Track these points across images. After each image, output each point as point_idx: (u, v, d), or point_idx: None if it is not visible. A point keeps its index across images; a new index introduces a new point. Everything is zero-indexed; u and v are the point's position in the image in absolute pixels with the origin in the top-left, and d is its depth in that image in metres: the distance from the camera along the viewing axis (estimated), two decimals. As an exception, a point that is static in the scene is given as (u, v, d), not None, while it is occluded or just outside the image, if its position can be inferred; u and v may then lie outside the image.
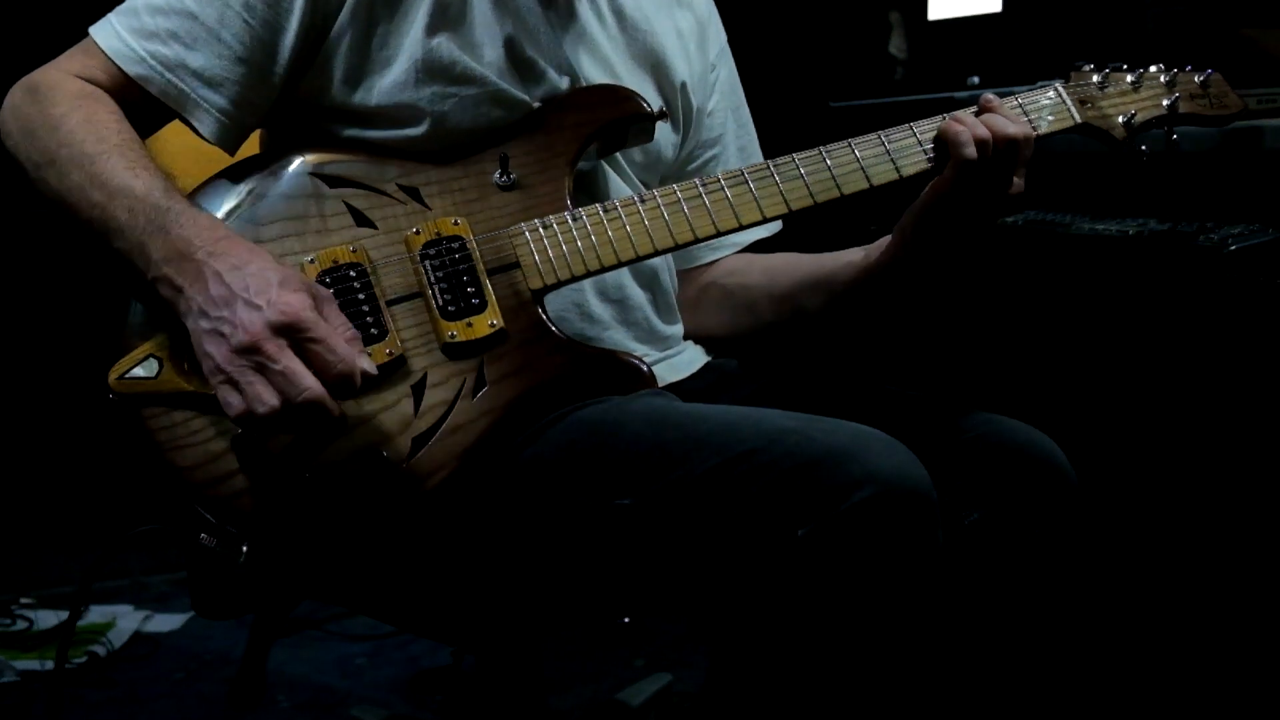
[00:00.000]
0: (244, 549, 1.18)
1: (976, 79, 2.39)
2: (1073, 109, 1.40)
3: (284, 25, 1.28)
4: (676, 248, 1.31)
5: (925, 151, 1.34)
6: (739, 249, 1.58)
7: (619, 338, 1.42)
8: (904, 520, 1.08)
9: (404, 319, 1.24)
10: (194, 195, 1.25)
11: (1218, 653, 1.87)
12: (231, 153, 1.32)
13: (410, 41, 1.30)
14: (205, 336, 1.12)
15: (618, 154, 1.42)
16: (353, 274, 1.23)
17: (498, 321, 1.24)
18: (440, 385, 1.22)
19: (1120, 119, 1.41)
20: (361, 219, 1.27)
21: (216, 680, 2.46)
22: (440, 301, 1.24)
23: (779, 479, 1.09)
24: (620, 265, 1.30)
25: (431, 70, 1.30)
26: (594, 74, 1.40)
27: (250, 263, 1.14)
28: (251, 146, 1.40)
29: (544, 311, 1.27)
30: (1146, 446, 1.92)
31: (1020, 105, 1.38)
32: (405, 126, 1.31)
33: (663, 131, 1.45)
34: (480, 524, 1.24)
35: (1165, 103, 1.42)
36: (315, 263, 1.23)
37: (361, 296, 1.23)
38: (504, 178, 1.31)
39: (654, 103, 1.39)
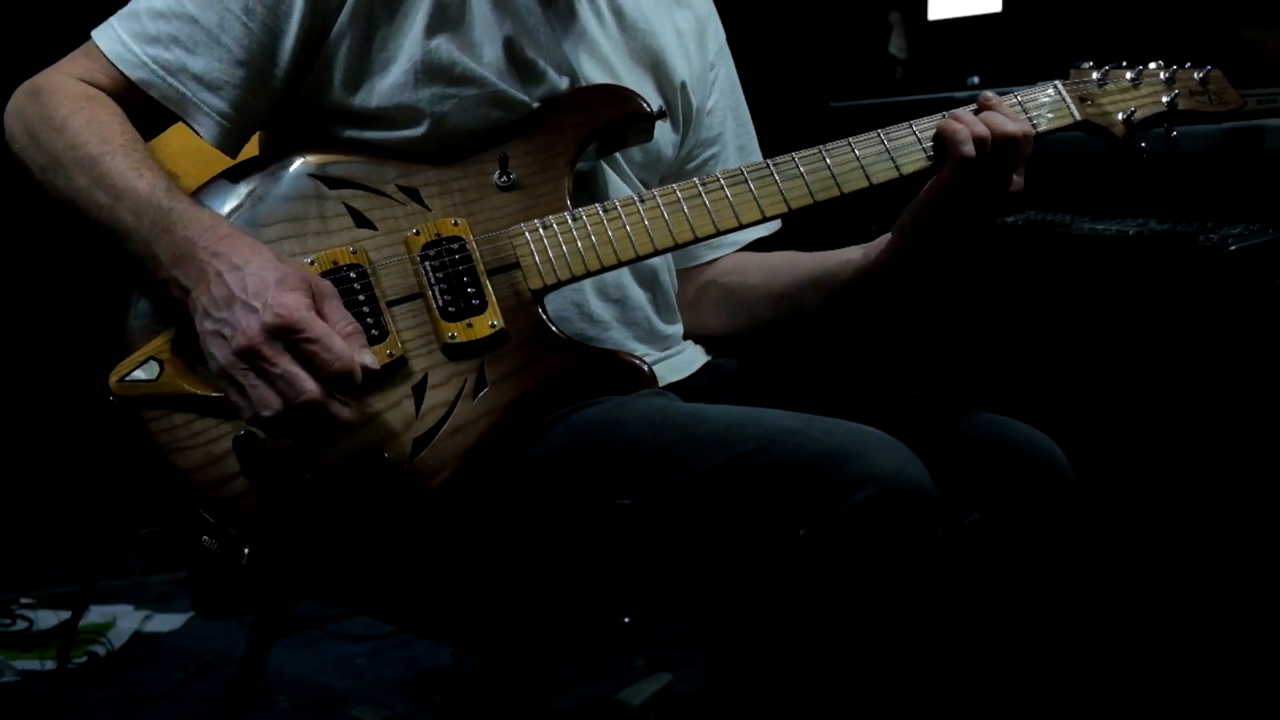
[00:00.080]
0: (245, 551, 1.18)
1: (976, 79, 2.40)
2: (1072, 106, 1.40)
3: (283, 28, 1.28)
4: (676, 247, 1.31)
5: (925, 150, 1.34)
6: (739, 248, 1.58)
7: (619, 338, 1.42)
8: (905, 520, 1.09)
9: (404, 320, 1.24)
10: (194, 196, 1.25)
11: (1218, 653, 1.87)
12: (233, 155, 1.32)
13: (409, 43, 1.30)
14: (209, 337, 1.13)
15: (617, 154, 1.42)
16: (353, 275, 1.23)
17: (498, 322, 1.24)
18: (441, 386, 1.22)
19: (1120, 116, 1.41)
20: (361, 220, 1.27)
21: (216, 680, 2.46)
22: (440, 302, 1.24)
23: (780, 479, 1.09)
24: (620, 265, 1.30)
25: (431, 71, 1.30)
26: (593, 74, 1.40)
27: (251, 261, 1.14)
28: (251, 148, 1.40)
29: (544, 312, 1.27)
30: (1146, 446, 1.92)
31: (1020, 103, 1.38)
32: (405, 127, 1.31)
33: (662, 131, 1.45)
34: (481, 524, 1.24)
35: (1165, 99, 1.42)
36: (315, 264, 1.23)
37: (362, 298, 1.23)
38: (503, 178, 1.31)
39: (653, 102, 1.39)
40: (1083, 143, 1.45)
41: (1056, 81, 1.41)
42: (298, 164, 1.29)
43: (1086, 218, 1.93)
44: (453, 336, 1.23)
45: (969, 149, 1.29)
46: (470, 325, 1.24)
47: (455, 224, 1.28)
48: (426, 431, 1.21)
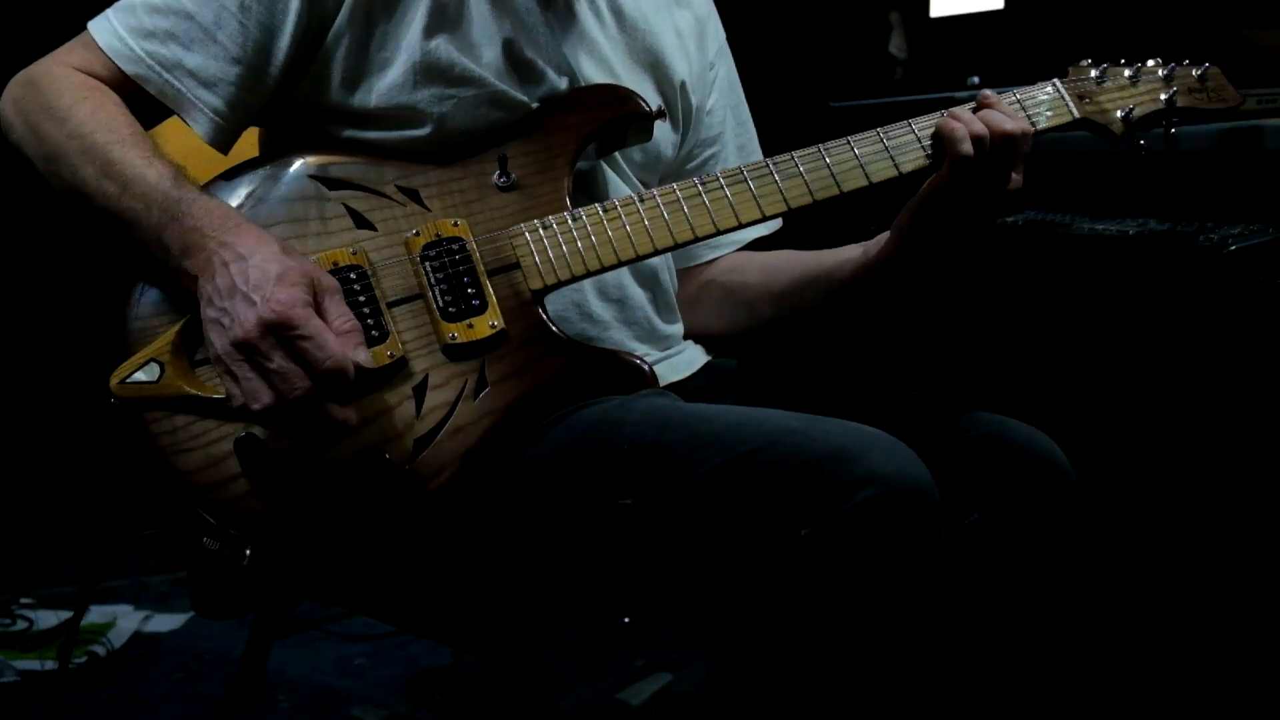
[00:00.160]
0: (247, 552, 1.18)
1: (977, 79, 2.40)
2: (1071, 104, 1.40)
3: (280, 27, 1.28)
4: (676, 247, 1.31)
5: (924, 148, 1.34)
6: (738, 247, 1.58)
7: (620, 337, 1.42)
8: (906, 520, 1.09)
9: (405, 321, 1.24)
10: None
11: (1218, 653, 1.87)
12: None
13: (408, 43, 1.30)
14: (210, 325, 1.14)
15: (617, 153, 1.42)
16: (353, 276, 1.23)
17: (498, 322, 1.24)
18: (442, 387, 1.22)
19: (1118, 114, 1.41)
20: (361, 221, 1.27)
21: (216, 680, 2.46)
22: (441, 303, 1.24)
23: (781, 479, 1.09)
24: (620, 265, 1.30)
25: (430, 72, 1.30)
26: (593, 74, 1.40)
27: (256, 253, 1.14)
28: (251, 148, 1.40)
29: (544, 312, 1.27)
30: (1146, 446, 1.92)
31: (1019, 101, 1.38)
32: (404, 128, 1.31)
33: (662, 130, 1.45)
34: (483, 525, 1.24)
35: (1163, 97, 1.42)
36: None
37: (362, 299, 1.23)
38: (503, 178, 1.31)
39: (653, 102, 1.39)
40: (1082, 142, 1.45)
41: (1055, 80, 1.41)
42: (297, 165, 1.29)
43: (1086, 218, 1.93)
44: (453, 337, 1.23)
45: (967, 147, 1.29)
46: (471, 326, 1.24)
47: (455, 224, 1.28)
48: (427, 432, 1.21)
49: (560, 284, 1.28)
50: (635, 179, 1.45)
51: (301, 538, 1.20)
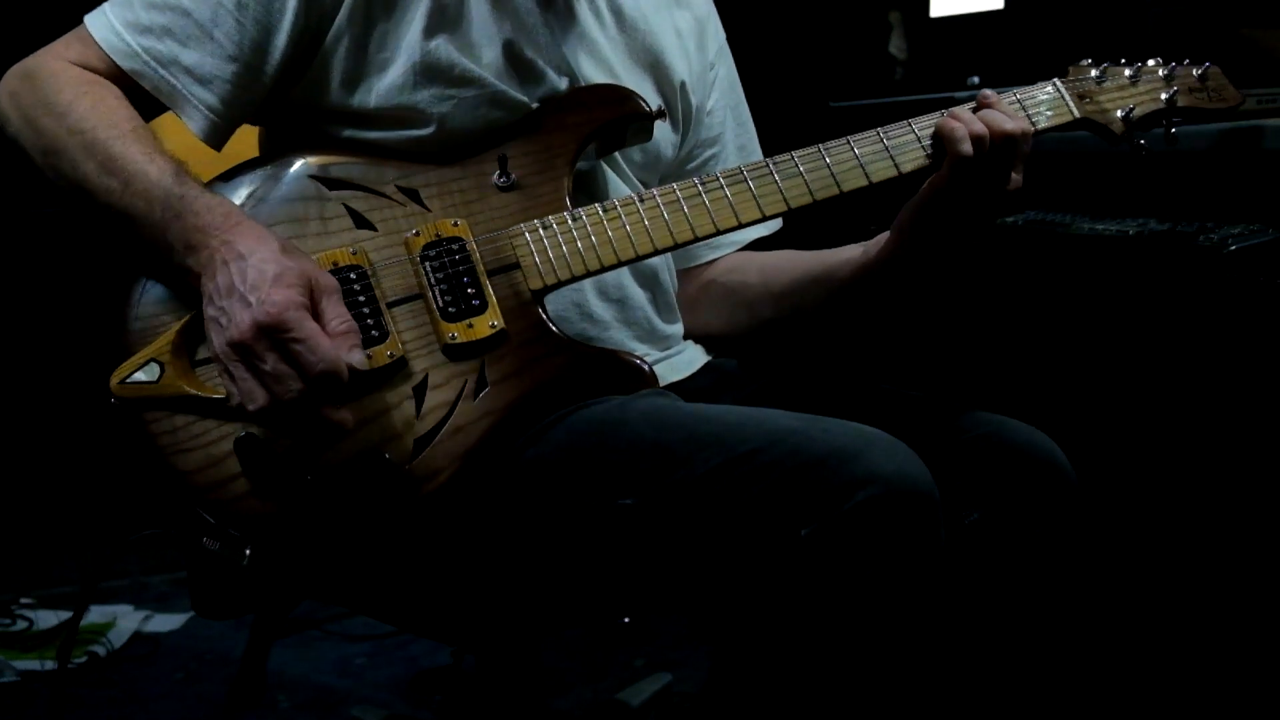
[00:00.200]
0: (247, 552, 1.18)
1: (977, 79, 2.40)
2: (1071, 104, 1.40)
3: (276, 26, 1.28)
4: (676, 247, 1.31)
5: (924, 148, 1.34)
6: (739, 248, 1.58)
7: (620, 337, 1.42)
8: (906, 520, 1.09)
9: (404, 321, 1.24)
10: None
11: (1218, 653, 1.87)
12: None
13: (408, 44, 1.30)
14: (210, 324, 1.15)
15: (617, 154, 1.42)
16: (353, 276, 1.23)
17: (498, 322, 1.24)
18: (441, 386, 1.22)
19: (1119, 113, 1.41)
20: (361, 221, 1.27)
21: (216, 680, 2.46)
22: (440, 303, 1.24)
23: (781, 479, 1.09)
24: (620, 265, 1.30)
25: (429, 72, 1.30)
26: (593, 74, 1.40)
27: (255, 252, 1.15)
28: (250, 148, 1.40)
29: (544, 312, 1.27)
30: (1146, 446, 1.92)
31: (1019, 101, 1.38)
32: (404, 128, 1.31)
33: (662, 131, 1.45)
34: (482, 525, 1.24)
35: (1163, 96, 1.42)
36: (315, 265, 1.23)
37: (362, 299, 1.23)
38: (503, 178, 1.31)
39: (653, 103, 1.39)
40: (1083, 142, 1.45)
41: (1055, 79, 1.41)
42: (297, 165, 1.29)
43: (1086, 218, 1.93)
44: (453, 337, 1.23)
45: (967, 147, 1.29)
46: (470, 326, 1.24)
47: (455, 224, 1.28)
48: (427, 432, 1.21)
49: (560, 284, 1.28)
50: (635, 179, 1.45)
51: (301, 538, 1.20)
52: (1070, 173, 1.99)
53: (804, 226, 1.48)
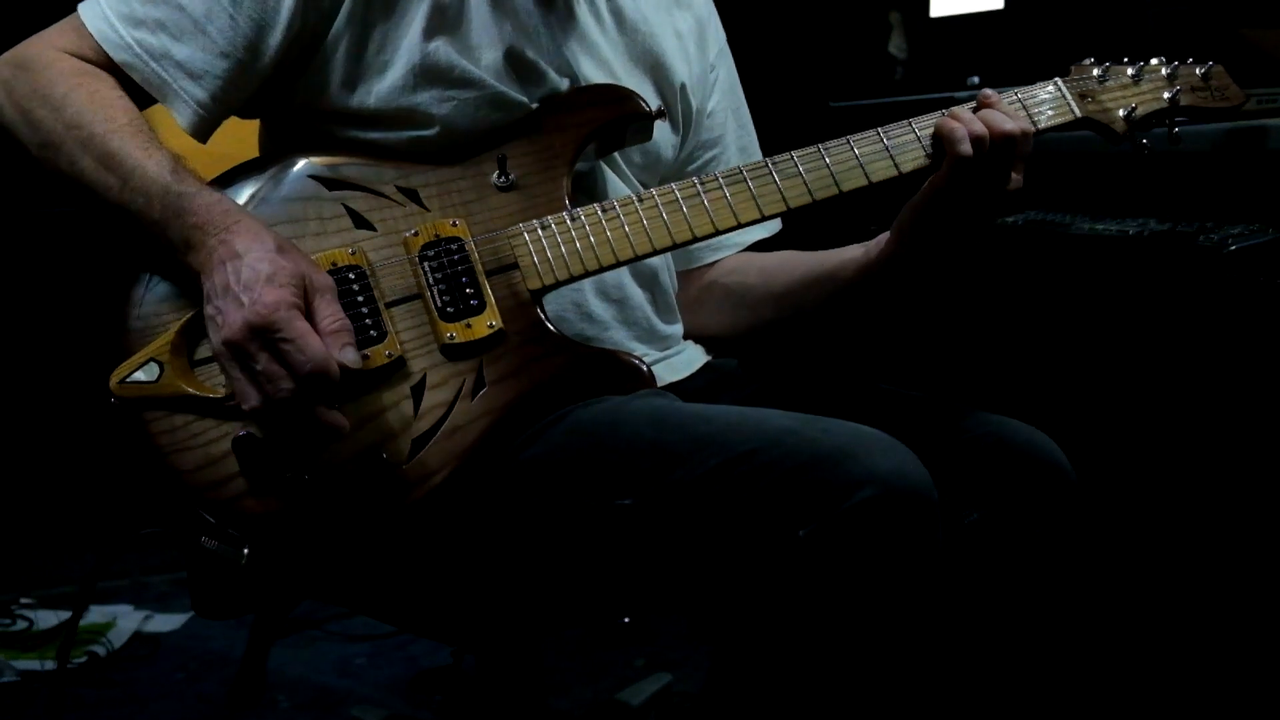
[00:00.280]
0: (245, 551, 1.18)
1: (977, 79, 2.40)
2: (1073, 103, 1.39)
3: (271, 24, 1.28)
4: (675, 247, 1.31)
5: (924, 148, 1.34)
6: (740, 249, 1.58)
7: (619, 337, 1.42)
8: (905, 520, 1.08)
9: (403, 321, 1.24)
10: None
11: (1218, 652, 1.87)
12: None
13: (407, 45, 1.30)
14: (209, 322, 1.16)
15: (617, 155, 1.42)
16: (352, 276, 1.23)
17: (496, 322, 1.24)
18: (439, 386, 1.22)
19: (1121, 112, 1.40)
20: (360, 221, 1.27)
21: (216, 680, 2.46)
22: (439, 303, 1.24)
23: (780, 479, 1.09)
24: (619, 265, 1.30)
25: (429, 74, 1.30)
26: (593, 76, 1.39)
27: (251, 251, 1.15)
28: (249, 148, 1.40)
29: (543, 312, 1.27)
30: (1146, 446, 1.92)
31: (1019, 100, 1.37)
32: (403, 129, 1.31)
33: (662, 132, 1.45)
34: (481, 525, 1.24)
35: (1166, 95, 1.42)
36: (314, 265, 1.23)
37: (361, 299, 1.23)
38: (502, 178, 1.31)
39: (653, 104, 1.39)
40: (1083, 142, 1.45)
41: (1057, 79, 1.41)
42: (297, 165, 1.29)
43: (1086, 218, 1.93)
44: (451, 337, 1.23)
45: (966, 147, 1.29)
46: (469, 326, 1.24)
47: (454, 225, 1.28)
48: (425, 432, 1.21)
49: (558, 284, 1.28)
50: (635, 180, 1.45)
51: (300, 537, 1.20)
52: (1070, 173, 1.99)
53: (804, 227, 1.48)
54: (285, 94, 1.33)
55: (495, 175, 1.31)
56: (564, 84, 1.36)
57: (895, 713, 1.20)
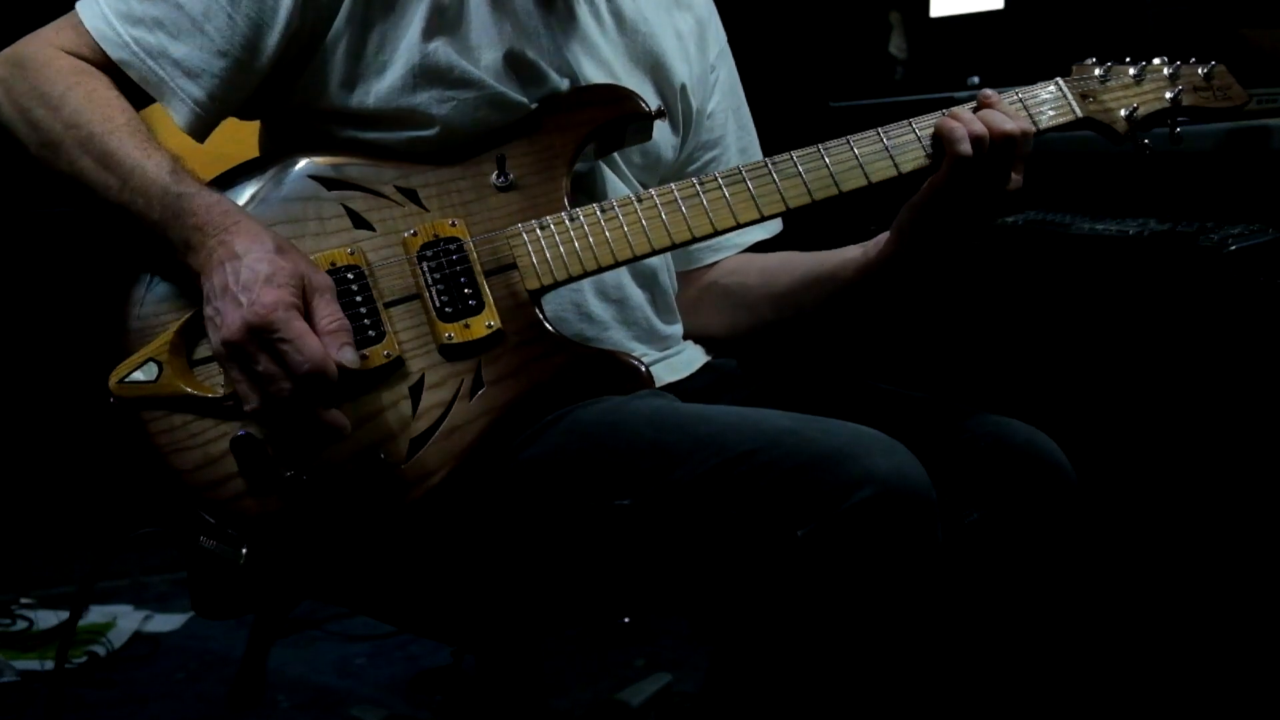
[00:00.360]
0: (244, 551, 1.18)
1: (977, 79, 2.39)
2: (1074, 103, 1.39)
3: (269, 24, 1.28)
4: (674, 247, 1.31)
5: (924, 148, 1.33)
6: (739, 250, 1.58)
7: (618, 338, 1.42)
8: (903, 521, 1.08)
9: (402, 321, 1.24)
10: None
11: (1218, 652, 1.87)
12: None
13: (407, 45, 1.30)
14: (208, 323, 1.16)
15: (616, 156, 1.42)
16: (350, 276, 1.23)
17: (495, 323, 1.24)
18: (438, 386, 1.22)
19: (1122, 112, 1.40)
20: (359, 221, 1.27)
21: (216, 680, 2.46)
22: (438, 303, 1.24)
23: (779, 479, 1.09)
24: (617, 265, 1.30)
25: (428, 74, 1.30)
26: (594, 76, 1.39)
27: (250, 251, 1.15)
28: (248, 148, 1.40)
29: (541, 312, 1.27)
30: (1146, 446, 1.92)
31: (1020, 100, 1.37)
32: (403, 129, 1.31)
33: (662, 133, 1.45)
34: (480, 525, 1.24)
35: (1168, 95, 1.41)
36: (313, 266, 1.23)
37: (359, 299, 1.23)
38: (501, 179, 1.31)
39: (653, 104, 1.39)
40: (1083, 142, 1.45)
41: (1058, 78, 1.41)
42: (296, 165, 1.29)
43: (1086, 218, 1.93)
44: (449, 337, 1.23)
45: (966, 147, 1.29)
46: (467, 326, 1.24)
47: (453, 225, 1.28)
48: (423, 432, 1.21)
49: (557, 284, 1.28)
50: (635, 181, 1.45)
51: (298, 537, 1.20)
52: (1070, 173, 1.99)
53: (804, 227, 1.48)
54: (284, 94, 1.33)
55: (494, 175, 1.31)
56: (564, 84, 1.36)
57: (895, 713, 1.20)
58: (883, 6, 2.76)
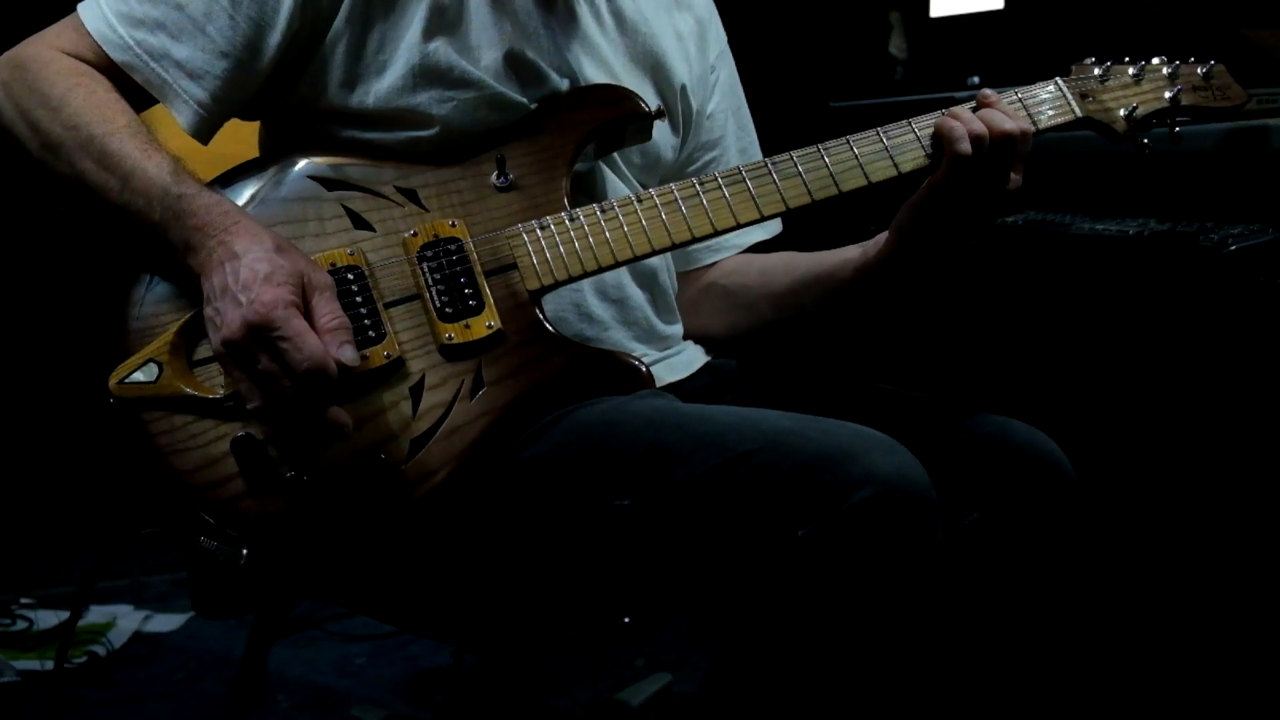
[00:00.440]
0: (244, 551, 1.18)
1: (977, 79, 2.39)
2: (1073, 103, 1.39)
3: (270, 24, 1.28)
4: (674, 248, 1.31)
5: (924, 148, 1.34)
6: (739, 250, 1.58)
7: (618, 338, 1.42)
8: (903, 521, 1.08)
9: (402, 321, 1.24)
10: None
11: (1218, 652, 1.87)
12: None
13: (407, 45, 1.30)
14: (208, 323, 1.16)
15: (616, 156, 1.42)
16: (350, 277, 1.23)
17: (495, 323, 1.24)
18: (438, 387, 1.22)
19: (1122, 112, 1.40)
20: (359, 221, 1.27)
21: (216, 680, 2.46)
22: (438, 303, 1.24)
23: (779, 479, 1.09)
24: (617, 265, 1.30)
25: (428, 75, 1.30)
26: (594, 77, 1.39)
27: (250, 251, 1.15)
28: (249, 148, 1.40)
29: (541, 312, 1.27)
30: (1146, 446, 1.92)
31: (1020, 100, 1.37)
32: (403, 129, 1.31)
33: (662, 133, 1.45)
34: (480, 525, 1.24)
35: (1167, 95, 1.41)
36: (313, 266, 1.23)
37: (359, 299, 1.23)
38: (501, 179, 1.31)
39: (652, 104, 1.39)
40: (1083, 142, 1.45)
41: (1057, 78, 1.41)
42: (296, 166, 1.29)
43: (1086, 218, 1.93)
44: (450, 338, 1.23)
45: (965, 147, 1.29)
46: (467, 326, 1.24)
47: (453, 225, 1.28)
48: (424, 433, 1.21)
49: (557, 284, 1.28)
50: (635, 181, 1.45)
51: (299, 538, 1.20)
52: (1070, 173, 1.99)
53: (804, 227, 1.48)
54: (285, 94, 1.33)
55: (494, 176, 1.31)
56: (564, 85, 1.36)
57: (895, 713, 1.20)
58: (883, 6, 2.76)
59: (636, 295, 1.44)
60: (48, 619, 2.67)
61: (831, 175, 1.32)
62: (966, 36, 2.53)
